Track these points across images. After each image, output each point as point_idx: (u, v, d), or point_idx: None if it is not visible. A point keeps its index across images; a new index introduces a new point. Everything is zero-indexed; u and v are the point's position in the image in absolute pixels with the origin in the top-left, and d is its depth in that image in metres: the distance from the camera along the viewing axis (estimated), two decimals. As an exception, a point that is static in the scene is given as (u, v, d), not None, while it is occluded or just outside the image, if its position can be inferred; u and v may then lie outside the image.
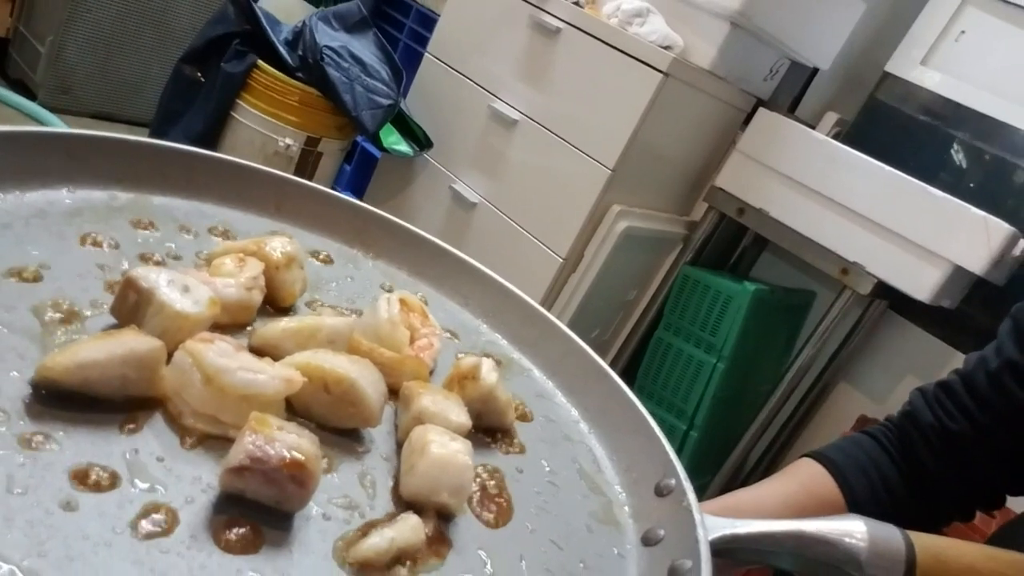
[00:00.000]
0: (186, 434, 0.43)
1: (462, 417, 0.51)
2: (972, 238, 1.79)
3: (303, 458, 0.40)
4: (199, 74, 2.13)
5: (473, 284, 0.73)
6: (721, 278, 2.17)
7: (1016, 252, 1.85)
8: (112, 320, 0.47)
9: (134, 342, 0.42)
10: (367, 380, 0.49)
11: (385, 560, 0.41)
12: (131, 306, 0.46)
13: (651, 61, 1.94)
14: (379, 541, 0.42)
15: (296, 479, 0.40)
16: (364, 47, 2.23)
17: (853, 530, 0.50)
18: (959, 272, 1.82)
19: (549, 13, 2.12)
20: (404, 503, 0.46)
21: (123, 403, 0.42)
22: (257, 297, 0.54)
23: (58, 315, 0.46)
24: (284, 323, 0.51)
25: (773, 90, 2.30)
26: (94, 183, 0.58)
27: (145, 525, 0.37)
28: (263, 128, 2.19)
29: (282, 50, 2.12)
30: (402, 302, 0.59)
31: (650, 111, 1.96)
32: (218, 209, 0.65)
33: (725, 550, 0.50)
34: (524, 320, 0.71)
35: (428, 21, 2.68)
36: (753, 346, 2.18)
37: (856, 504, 0.80)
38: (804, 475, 0.83)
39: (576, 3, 2.12)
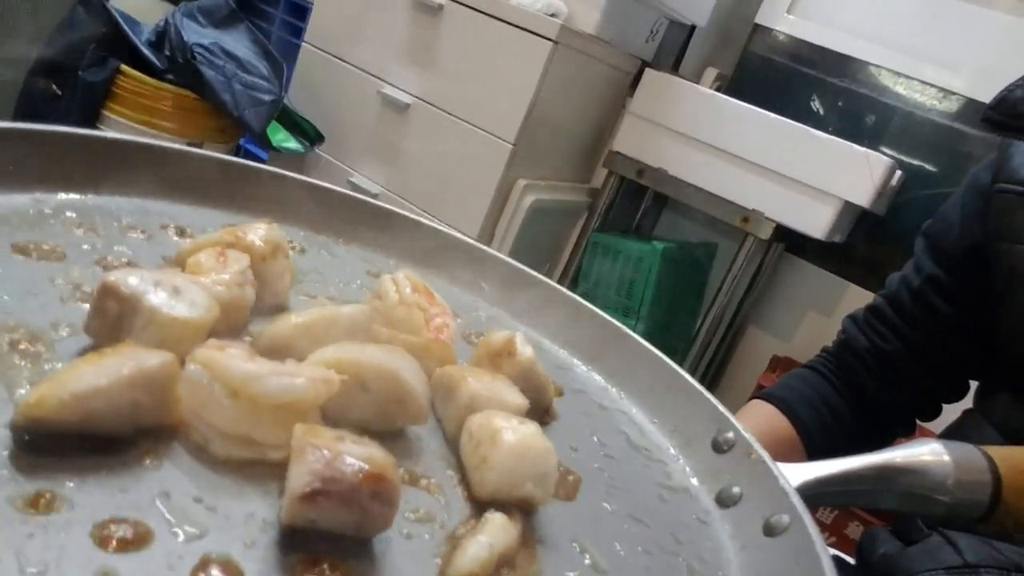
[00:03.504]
0: (218, 463, 0.35)
1: (518, 397, 0.44)
2: (857, 173, 1.87)
3: (380, 470, 0.33)
4: (54, 87, 1.90)
5: (456, 257, 0.66)
6: (629, 240, 2.18)
7: (894, 182, 1.96)
8: (88, 340, 0.38)
9: (141, 357, 0.33)
10: (409, 371, 0.41)
11: (489, 571, 0.35)
12: (113, 319, 0.37)
13: (539, 30, 1.90)
14: (479, 551, 0.35)
15: (379, 496, 0.33)
16: (237, 42, 2.06)
17: (935, 454, 0.48)
18: (848, 207, 1.91)
19: (428, -11, 2.04)
20: (481, 503, 0.39)
21: (132, 437, 0.34)
22: (250, 294, 0.45)
23: (17, 343, 0.36)
24: (293, 318, 0.43)
25: (656, 51, 2.33)
26: (12, 186, 0.48)
27: (207, 582, 0.29)
28: (135, 138, 1.98)
29: (146, 52, 1.92)
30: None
31: (544, 80, 1.93)
32: (163, 204, 0.55)
33: (811, 496, 0.47)
34: (522, 288, 0.65)
35: (301, 10, 2.52)
36: (667, 303, 2.21)
37: (808, 435, 0.82)
38: (758, 416, 0.84)
39: (454, -23, 2.05)
